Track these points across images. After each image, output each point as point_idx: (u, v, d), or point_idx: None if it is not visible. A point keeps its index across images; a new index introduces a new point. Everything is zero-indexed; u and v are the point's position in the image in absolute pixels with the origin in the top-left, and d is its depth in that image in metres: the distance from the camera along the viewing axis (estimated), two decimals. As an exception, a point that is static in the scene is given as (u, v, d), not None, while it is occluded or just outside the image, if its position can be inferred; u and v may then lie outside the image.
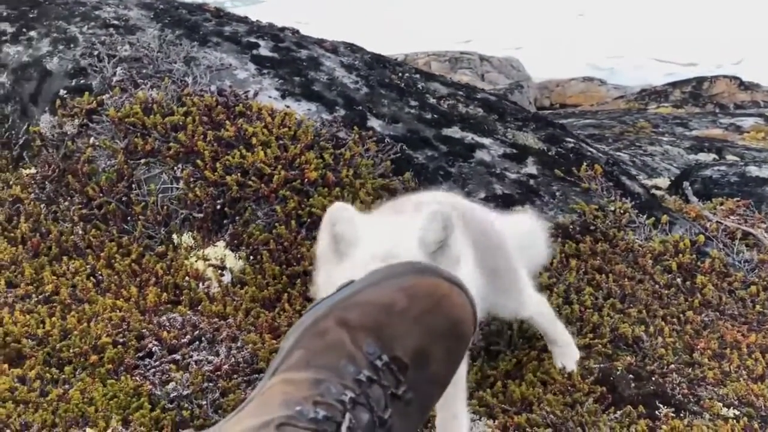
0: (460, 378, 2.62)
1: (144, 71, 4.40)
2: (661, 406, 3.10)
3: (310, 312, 1.78)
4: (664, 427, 2.93)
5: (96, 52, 4.51)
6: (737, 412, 3.13)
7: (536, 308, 3.15)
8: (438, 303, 1.73)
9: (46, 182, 3.99)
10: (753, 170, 5.32)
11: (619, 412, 3.01)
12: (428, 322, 1.72)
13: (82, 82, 4.38)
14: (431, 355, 1.74)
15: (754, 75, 17.86)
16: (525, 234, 3.28)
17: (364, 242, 2.11)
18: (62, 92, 4.35)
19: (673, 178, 5.92)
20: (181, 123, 3.99)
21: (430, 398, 1.80)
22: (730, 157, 7.70)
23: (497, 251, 2.90)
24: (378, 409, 1.67)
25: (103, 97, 4.20)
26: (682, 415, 3.06)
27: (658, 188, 5.68)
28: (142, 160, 3.93)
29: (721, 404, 3.17)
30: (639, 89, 18.00)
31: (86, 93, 4.24)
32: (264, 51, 4.77)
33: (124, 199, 3.86)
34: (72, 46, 4.63)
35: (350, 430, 1.61)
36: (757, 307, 3.90)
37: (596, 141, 9.25)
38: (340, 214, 2.17)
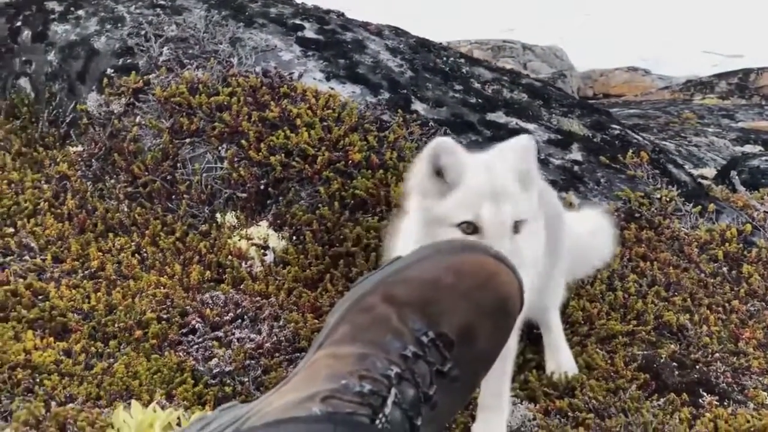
0: (509, 357, 2.61)
1: (190, 51, 4.43)
2: (705, 394, 3.06)
3: (357, 287, 1.78)
4: (707, 414, 2.89)
5: (143, 32, 4.54)
6: (782, 402, 3.09)
7: (557, 315, 3.15)
8: (485, 280, 1.72)
9: (93, 160, 4.03)
10: (802, 160, 5.25)
11: (662, 400, 2.98)
12: (475, 298, 1.71)
13: (128, 61, 4.42)
14: (478, 332, 1.73)
15: (803, 67, 17.54)
16: (592, 231, 3.27)
17: (472, 178, 2.20)
18: (109, 71, 4.39)
19: (719, 168, 5.84)
20: (226, 103, 4.01)
21: (475, 375, 1.79)
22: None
23: (560, 233, 2.89)
24: (423, 385, 1.66)
25: (150, 76, 4.23)
26: (725, 403, 3.03)
27: (704, 178, 5.62)
28: (187, 140, 3.95)
29: (765, 394, 3.13)
30: (684, 80, 17.79)
31: (133, 72, 4.27)
32: (309, 33, 4.77)
33: (168, 177, 3.89)
34: (119, 25, 4.66)
35: (396, 404, 1.60)
36: (804, 297, 3.85)
37: (641, 131, 9.17)
38: (445, 146, 2.23)
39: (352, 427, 1.50)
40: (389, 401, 1.59)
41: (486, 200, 2.16)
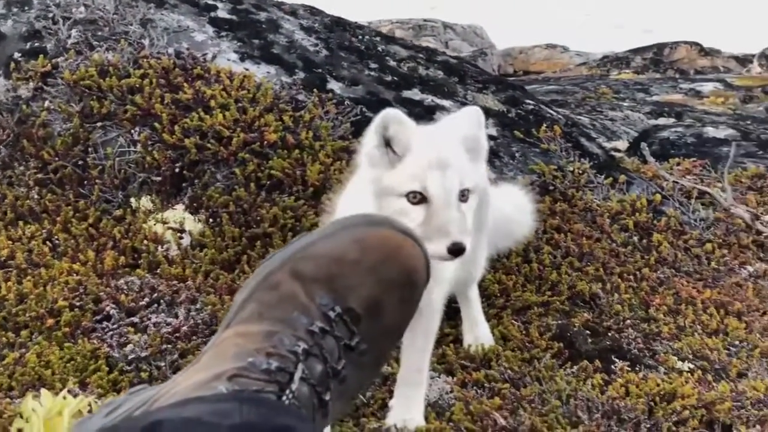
0: (431, 333, 2.64)
1: (99, 33, 4.35)
2: (617, 360, 3.15)
3: (264, 265, 1.78)
4: (619, 380, 2.97)
5: (51, 15, 4.44)
6: (692, 366, 3.19)
7: (476, 289, 3.19)
8: (391, 254, 1.73)
9: (1, 147, 3.93)
10: (710, 131, 5.38)
11: (575, 367, 3.05)
12: (381, 272, 1.72)
13: (36, 45, 4.32)
14: (384, 305, 1.74)
15: (715, 41, 17.96)
16: (512, 207, 3.31)
17: (418, 148, 2.26)
18: (16, 55, 4.28)
19: (631, 141, 5.97)
20: (137, 86, 3.95)
21: (383, 349, 1.80)
22: (689, 122, 7.77)
23: (486, 208, 2.93)
24: (331, 360, 1.67)
25: (58, 60, 4.15)
26: (637, 368, 3.11)
27: (617, 150, 5.73)
28: (99, 124, 3.89)
29: (675, 358, 3.23)
30: (601, 56, 18.05)
31: (41, 56, 4.17)
32: (222, 13, 4.72)
33: (80, 163, 3.82)
34: (26, 8, 4.55)
35: (303, 380, 1.61)
36: (712, 263, 3.97)
37: (558, 106, 9.30)
38: (393, 117, 2.28)
39: (259, 405, 1.51)
40: (296, 377, 1.60)
41: (433, 170, 2.21)
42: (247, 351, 1.63)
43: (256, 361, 1.61)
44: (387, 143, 2.27)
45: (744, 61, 17.21)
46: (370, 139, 2.32)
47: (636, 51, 17.00)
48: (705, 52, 17.08)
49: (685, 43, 17.14)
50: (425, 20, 20.24)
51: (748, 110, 10.72)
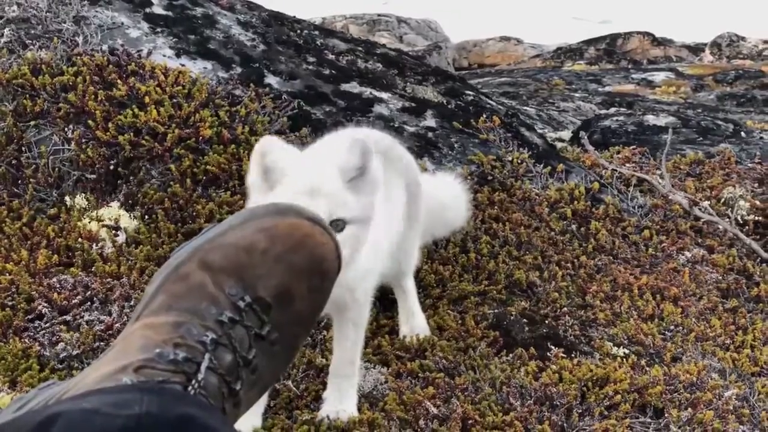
0: (361, 324, 2.65)
1: (32, 32, 4.30)
2: (553, 347, 3.17)
3: (174, 257, 1.77)
4: (553, 366, 2.99)
5: (-18, 14, 4.38)
6: (626, 351, 3.22)
7: (412, 279, 3.21)
8: (299, 242, 1.73)
9: (-67, 147, 3.87)
10: (650, 119, 5.43)
11: (510, 355, 3.07)
12: (290, 261, 1.72)
13: (-32, 44, 4.26)
14: (294, 293, 1.74)
15: (667, 31, 18.17)
16: (448, 196, 3.33)
17: (290, 176, 2.21)
18: (-52, 55, 4.21)
19: (575, 131, 6.01)
20: (71, 83, 3.91)
21: (295, 337, 1.80)
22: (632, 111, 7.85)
23: (418, 199, 2.96)
24: (241, 350, 1.66)
25: (-10, 58, 4.09)
26: (572, 355, 3.14)
27: (561, 140, 5.77)
28: (32, 122, 3.84)
29: (611, 344, 3.26)
30: (555, 48, 18.19)
31: (-28, 55, 4.12)
32: (157, 9, 4.69)
33: (13, 162, 3.77)
34: (-43, 7, 4.49)
35: (211, 370, 1.60)
36: (650, 250, 4.01)
37: (510, 98, 9.36)
38: (269, 146, 2.24)
39: (162, 394, 1.50)
40: (203, 367, 1.59)
41: (300, 197, 2.12)
42: (155, 342, 1.62)
43: (163, 351, 1.59)
44: (265, 172, 2.23)
45: (696, 50, 17.43)
46: (251, 167, 2.29)
47: (589, 42, 17.16)
48: (658, 41, 17.29)
49: (638, 33, 17.33)
50: (379, 15, 20.28)
51: (699, 98, 10.87)
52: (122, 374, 1.56)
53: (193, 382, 1.57)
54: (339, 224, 2.21)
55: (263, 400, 2.57)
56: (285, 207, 1.80)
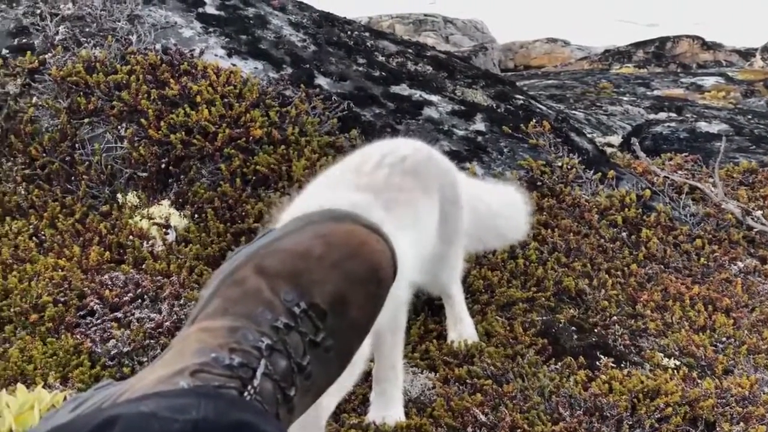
0: (399, 330, 2.65)
1: (87, 30, 4.34)
2: (602, 356, 3.13)
3: (230, 260, 1.77)
4: (602, 376, 2.96)
5: (38, 11, 4.44)
6: (677, 362, 3.17)
7: (459, 286, 3.17)
8: (356, 249, 1.72)
9: (-12, 143, 3.93)
10: (703, 126, 5.36)
11: (559, 363, 3.04)
12: (346, 268, 1.71)
13: (24, 41, 4.31)
14: (350, 301, 1.73)
15: (717, 35, 17.96)
16: (505, 204, 3.28)
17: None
18: (4, 52, 4.28)
19: (625, 136, 5.95)
20: (124, 82, 3.95)
21: (349, 344, 1.79)
22: (689, 116, 7.76)
23: (457, 213, 2.93)
24: (296, 356, 1.66)
25: (46, 56, 4.14)
26: (622, 365, 3.10)
27: (611, 145, 5.72)
28: (86, 120, 3.88)
29: (662, 354, 3.21)
30: (602, 50, 18.04)
31: (28, 52, 4.17)
32: (210, 9, 4.72)
33: (67, 159, 3.82)
34: (14, 5, 4.55)
35: (266, 375, 1.60)
36: (702, 259, 3.95)
37: (557, 101, 9.29)
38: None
39: (217, 400, 1.50)
40: (259, 373, 1.59)
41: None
42: (211, 346, 1.62)
43: (219, 356, 1.59)
44: None
45: (746, 54, 17.18)
46: None
47: (638, 45, 16.98)
48: (707, 45, 17.07)
49: (688, 36, 17.12)
50: (425, 15, 20.26)
51: (749, 104, 10.71)
52: (179, 378, 1.56)
53: (249, 387, 1.57)
54: None
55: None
56: (342, 213, 1.79)
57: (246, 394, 1.56)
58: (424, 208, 2.77)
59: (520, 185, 3.94)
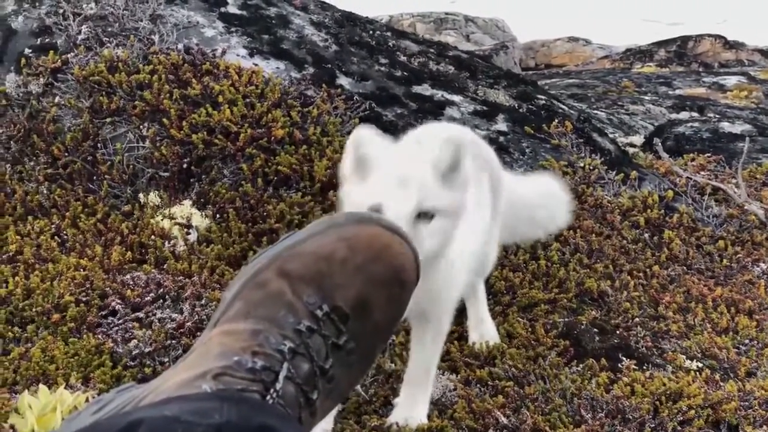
0: (441, 334, 2.62)
1: (110, 29, 4.36)
2: (624, 358, 3.11)
3: (252, 263, 1.77)
4: (624, 378, 2.94)
5: (61, 11, 4.46)
6: (700, 365, 3.15)
7: (483, 286, 3.17)
8: (379, 252, 1.72)
9: (11, 142, 3.95)
10: (726, 126, 5.33)
11: (581, 365, 3.02)
12: (369, 271, 1.71)
13: (47, 40, 4.33)
14: (372, 304, 1.72)
15: (739, 34, 17.83)
16: (544, 194, 3.27)
17: (382, 166, 2.25)
18: (27, 51, 4.30)
19: (647, 136, 5.92)
20: (146, 81, 3.96)
21: (372, 347, 1.79)
22: (712, 116, 7.70)
23: (499, 195, 2.93)
24: (319, 359, 1.65)
25: (68, 55, 4.16)
26: (644, 367, 3.08)
27: (633, 146, 5.69)
28: (108, 119, 3.90)
29: (684, 357, 3.19)
30: (624, 49, 17.94)
31: (51, 52, 4.19)
32: (232, 9, 4.72)
33: (89, 158, 3.83)
34: (37, 4, 4.57)
35: (288, 379, 1.60)
36: (725, 261, 3.92)
37: (578, 100, 9.25)
38: (363, 137, 2.29)
39: (241, 404, 1.50)
40: (281, 376, 1.58)
41: (391, 187, 2.21)
42: (233, 350, 1.62)
43: (241, 359, 1.59)
44: (359, 161, 2.28)
45: (768, 54, 17.05)
46: (346, 157, 2.34)
47: (659, 44, 16.88)
48: (729, 45, 16.95)
49: (710, 36, 17.01)
50: (446, 14, 20.23)
51: (771, 104, 10.63)
52: (201, 381, 1.56)
53: (272, 391, 1.57)
54: (428, 215, 2.23)
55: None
56: (365, 216, 1.79)
57: (269, 397, 1.56)
58: (483, 190, 2.79)
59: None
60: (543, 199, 3.28)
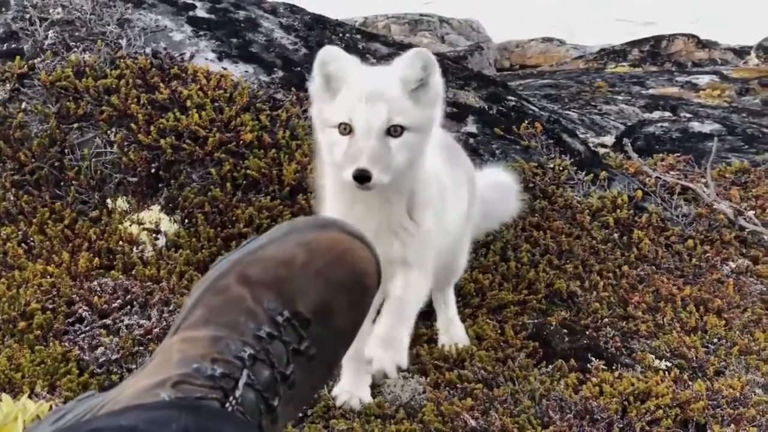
0: (425, 280, 2.61)
1: (77, 34, 4.32)
2: (593, 359, 3.13)
3: (213, 269, 1.76)
4: (593, 379, 2.95)
5: (28, 16, 4.41)
6: (669, 364, 3.17)
7: (452, 288, 3.18)
8: (339, 256, 1.71)
9: (-23, 149, 3.91)
10: (695, 126, 5.37)
11: (550, 366, 3.03)
12: (330, 275, 1.70)
13: (13, 46, 4.29)
14: (334, 308, 1.72)
15: (712, 33, 17.93)
16: (496, 184, 3.30)
17: (351, 83, 2.29)
18: (-7, 57, 4.26)
19: (618, 136, 5.95)
20: (114, 86, 3.93)
21: (335, 352, 1.78)
22: (684, 115, 7.75)
23: (474, 198, 2.96)
24: (279, 365, 1.65)
25: (35, 60, 4.13)
26: (613, 367, 3.09)
27: (604, 146, 5.71)
28: (75, 125, 3.87)
29: (653, 356, 3.21)
30: (598, 49, 18.01)
31: (17, 57, 4.15)
32: (201, 12, 4.70)
33: (57, 164, 3.80)
34: (3, 9, 4.53)
35: (248, 386, 1.59)
36: (693, 260, 3.95)
37: (552, 101, 9.28)
38: (331, 54, 2.35)
39: (200, 412, 1.49)
40: (241, 383, 1.58)
41: (361, 102, 2.25)
42: (192, 357, 1.61)
43: (201, 367, 1.58)
44: (327, 79, 2.32)
45: (741, 53, 17.16)
46: (313, 76, 2.38)
47: (633, 43, 16.95)
48: (702, 44, 17.05)
49: (683, 35, 17.10)
50: (421, 15, 20.22)
51: (744, 103, 10.70)
52: (160, 389, 1.55)
53: (231, 398, 1.56)
54: (397, 129, 2.28)
55: None
56: (326, 221, 1.79)
57: (228, 405, 1.55)
58: (463, 186, 2.83)
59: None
60: (494, 191, 3.31)
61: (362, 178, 2.22)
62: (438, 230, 2.60)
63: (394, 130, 2.27)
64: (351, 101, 2.26)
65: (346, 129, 2.28)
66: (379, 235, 2.39)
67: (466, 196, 2.86)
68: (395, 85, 2.29)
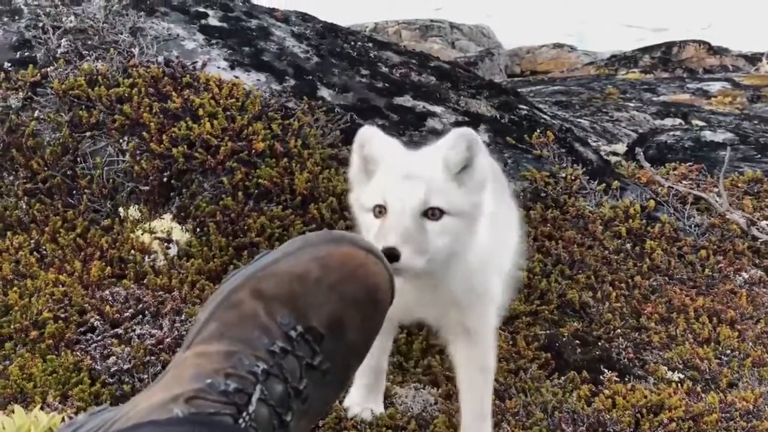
0: (489, 368, 2.45)
1: (89, 42, 4.34)
2: (606, 370, 3.12)
3: (226, 283, 1.76)
4: (606, 391, 2.94)
5: (41, 24, 4.43)
6: (681, 376, 3.16)
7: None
8: (353, 271, 1.71)
9: (-10, 157, 3.92)
10: (708, 135, 5.34)
11: (562, 378, 3.02)
12: (343, 290, 1.70)
13: (26, 54, 4.31)
14: (347, 323, 1.71)
15: (723, 39, 17.90)
16: None
17: (389, 162, 2.12)
18: (6, 65, 4.27)
19: (630, 145, 5.93)
20: (126, 95, 3.93)
21: (347, 367, 1.78)
22: (696, 122, 7.73)
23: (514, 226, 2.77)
24: (293, 380, 1.65)
25: (48, 69, 4.13)
26: (626, 379, 3.08)
27: (615, 154, 5.69)
28: (87, 133, 3.87)
29: (666, 368, 3.20)
30: (609, 55, 17.99)
31: (30, 65, 4.16)
32: (213, 21, 4.71)
33: (69, 172, 3.80)
34: (16, 18, 4.55)
35: (262, 401, 1.59)
36: (706, 270, 3.93)
37: (563, 108, 9.27)
38: (369, 136, 2.19)
39: (212, 428, 1.49)
40: (254, 399, 1.57)
41: (395, 181, 2.07)
42: (206, 372, 1.60)
43: (214, 382, 1.58)
44: (365, 162, 2.17)
45: (753, 59, 17.12)
46: (352, 160, 2.24)
47: (644, 50, 16.94)
48: (713, 50, 17.03)
49: (694, 41, 17.08)
50: (432, 21, 20.25)
51: (755, 110, 10.67)
52: (173, 404, 1.55)
53: (244, 414, 1.56)
54: (435, 213, 2.07)
55: None
56: (339, 236, 1.78)
57: (241, 420, 1.55)
58: (513, 216, 2.69)
59: (523, 196, 3.94)
60: None
61: (390, 257, 1.91)
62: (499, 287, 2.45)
63: (432, 213, 2.07)
64: (386, 182, 2.08)
65: (380, 211, 2.09)
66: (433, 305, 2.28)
67: (516, 235, 2.70)
68: (436, 167, 2.09)
